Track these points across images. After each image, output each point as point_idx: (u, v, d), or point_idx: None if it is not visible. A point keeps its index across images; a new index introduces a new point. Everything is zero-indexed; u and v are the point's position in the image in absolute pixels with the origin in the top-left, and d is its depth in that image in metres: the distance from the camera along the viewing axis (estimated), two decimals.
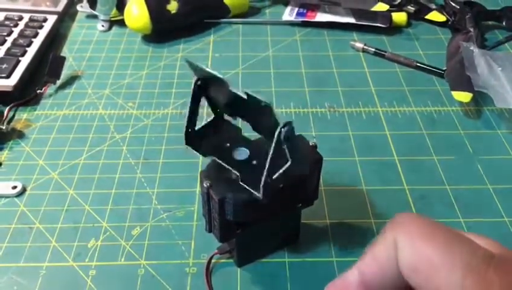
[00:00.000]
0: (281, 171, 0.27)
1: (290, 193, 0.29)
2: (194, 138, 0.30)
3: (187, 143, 0.30)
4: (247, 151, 0.29)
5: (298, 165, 0.27)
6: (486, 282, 0.16)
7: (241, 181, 0.27)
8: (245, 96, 0.25)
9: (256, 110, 0.25)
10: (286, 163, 0.26)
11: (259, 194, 0.26)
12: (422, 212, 0.37)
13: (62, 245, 0.35)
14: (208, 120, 0.31)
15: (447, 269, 0.17)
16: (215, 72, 0.26)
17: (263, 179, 0.26)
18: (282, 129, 0.25)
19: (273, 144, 0.25)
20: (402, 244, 0.18)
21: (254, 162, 0.29)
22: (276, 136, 0.25)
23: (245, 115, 0.28)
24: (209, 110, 0.31)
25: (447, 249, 0.17)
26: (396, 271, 0.18)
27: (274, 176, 0.26)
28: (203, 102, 0.30)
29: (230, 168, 0.28)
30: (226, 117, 0.31)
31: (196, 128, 0.30)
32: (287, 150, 0.26)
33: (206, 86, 0.29)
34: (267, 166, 0.26)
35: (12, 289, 0.32)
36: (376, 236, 0.35)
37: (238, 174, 0.28)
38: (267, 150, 0.26)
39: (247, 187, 0.27)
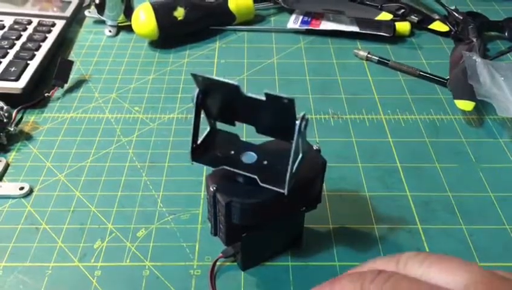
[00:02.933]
0: (296, 164, 0.27)
1: (295, 195, 0.30)
2: (199, 153, 0.30)
3: (194, 159, 0.29)
4: (254, 154, 0.30)
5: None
6: None
7: (261, 182, 0.28)
8: (263, 98, 0.26)
9: (272, 109, 0.26)
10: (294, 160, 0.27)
11: (284, 190, 0.27)
12: (424, 218, 0.37)
13: (68, 246, 0.35)
14: (205, 133, 0.30)
15: None
16: (226, 80, 0.26)
17: (288, 173, 0.27)
18: (302, 121, 0.26)
19: (296, 136, 0.26)
20: None
21: (265, 162, 0.29)
22: (297, 127, 0.26)
23: (252, 117, 0.29)
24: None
25: None
26: None
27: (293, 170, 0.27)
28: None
29: (243, 172, 0.28)
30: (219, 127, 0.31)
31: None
32: (300, 143, 0.27)
33: (205, 97, 0.28)
34: (291, 160, 0.27)
35: (19, 288, 0.32)
36: (378, 243, 0.35)
37: (254, 177, 0.28)
38: (276, 149, 0.26)
39: (268, 186, 0.28)
